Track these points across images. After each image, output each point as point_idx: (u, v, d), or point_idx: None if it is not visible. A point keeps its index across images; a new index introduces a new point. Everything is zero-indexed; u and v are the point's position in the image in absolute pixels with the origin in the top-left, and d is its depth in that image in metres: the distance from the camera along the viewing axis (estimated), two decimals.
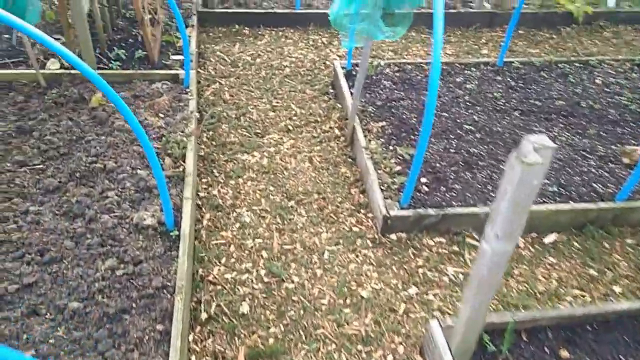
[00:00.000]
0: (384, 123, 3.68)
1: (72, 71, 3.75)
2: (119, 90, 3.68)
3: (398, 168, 3.27)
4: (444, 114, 3.85)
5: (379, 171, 3.21)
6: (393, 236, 2.97)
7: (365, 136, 3.51)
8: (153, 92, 3.68)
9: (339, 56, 4.94)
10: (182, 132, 3.30)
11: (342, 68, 4.29)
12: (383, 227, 2.93)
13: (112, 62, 3.96)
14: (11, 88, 3.59)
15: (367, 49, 3.20)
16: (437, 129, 3.67)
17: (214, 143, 3.66)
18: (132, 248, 2.51)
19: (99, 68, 3.86)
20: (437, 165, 3.32)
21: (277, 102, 4.19)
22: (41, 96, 3.54)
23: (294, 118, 4.02)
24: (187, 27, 4.73)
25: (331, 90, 4.37)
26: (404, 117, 3.77)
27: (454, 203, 3.02)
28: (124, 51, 4.11)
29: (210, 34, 5.16)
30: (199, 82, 4.31)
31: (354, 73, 4.25)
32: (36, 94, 3.56)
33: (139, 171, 2.96)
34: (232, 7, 5.33)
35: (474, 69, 4.45)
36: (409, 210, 2.92)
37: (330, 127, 3.92)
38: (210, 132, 3.76)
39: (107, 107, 3.46)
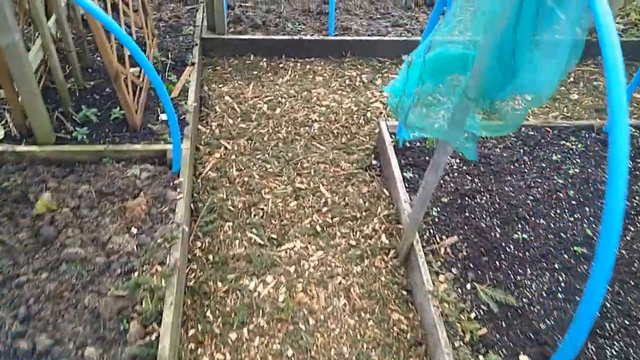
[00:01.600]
0: (455, 238, 2.55)
1: (21, 147, 2.70)
2: (79, 179, 2.62)
3: (483, 331, 2.15)
4: (541, 220, 2.68)
5: (456, 342, 2.10)
6: None
7: (428, 264, 2.38)
8: (127, 184, 2.60)
9: (382, 103, 3.78)
10: (162, 264, 2.24)
11: (392, 135, 3.14)
12: None
13: (78, 128, 2.89)
14: None
15: (441, 157, 2.05)
16: (532, 249, 2.52)
17: (210, 259, 2.59)
18: None
19: (57, 140, 2.80)
20: (541, 326, 2.19)
21: (302, 183, 3.07)
22: None
23: (324, 210, 2.91)
24: (186, 65, 3.62)
25: (374, 162, 3.23)
26: (483, 225, 2.63)
27: None
28: (95, 110, 3.03)
29: (218, 67, 4.03)
30: (197, 149, 3.22)
31: (408, 145, 3.09)
32: None
33: (87, 350, 1.91)
34: (246, 31, 4.18)
35: (573, 138, 3.25)
36: None
37: (374, 230, 2.80)
38: (207, 239, 2.69)
39: (58, 215, 2.41)
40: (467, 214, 2.69)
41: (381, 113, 3.69)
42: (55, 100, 3.04)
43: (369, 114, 3.65)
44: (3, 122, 2.89)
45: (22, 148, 2.69)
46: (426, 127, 2.00)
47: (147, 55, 3.41)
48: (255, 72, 4.01)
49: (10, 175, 2.60)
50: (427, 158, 3.02)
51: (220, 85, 3.84)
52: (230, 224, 2.79)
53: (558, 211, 2.74)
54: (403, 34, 4.31)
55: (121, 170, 2.70)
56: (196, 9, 4.34)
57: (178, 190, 2.59)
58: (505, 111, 1.81)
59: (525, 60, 1.69)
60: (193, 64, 3.60)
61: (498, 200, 2.77)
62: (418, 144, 3.12)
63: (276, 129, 3.47)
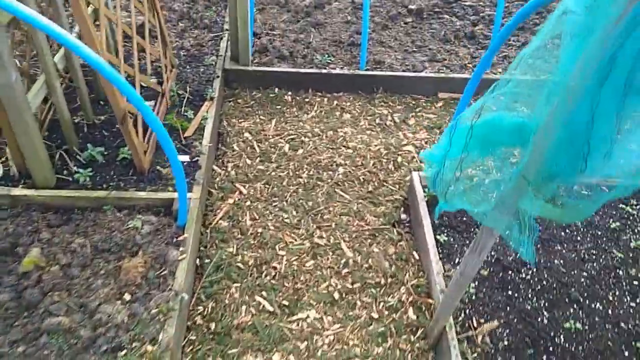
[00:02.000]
0: (495, 323, 2.18)
1: (16, 191, 2.49)
2: (75, 229, 2.38)
3: None
4: (597, 305, 2.28)
5: None
6: None
7: (462, 355, 2.02)
8: (127, 238, 2.34)
9: (415, 146, 3.44)
10: (154, 341, 1.96)
11: (424, 189, 2.80)
12: None
13: (82, 169, 2.66)
14: None
15: (486, 239, 1.71)
16: (587, 342, 2.13)
17: (211, 329, 2.29)
18: None
19: (58, 182, 2.58)
20: None
21: (321, 238, 2.76)
22: None
23: (344, 272, 2.59)
24: (204, 99, 3.39)
25: (403, 216, 2.90)
26: (528, 308, 2.25)
27: None
28: (102, 149, 2.81)
29: (239, 100, 3.78)
30: (209, 194, 2.96)
31: None
32: None
33: None
34: (272, 62, 3.93)
35: (634, 201, 2.83)
36: None
37: (400, 302, 2.45)
38: (211, 303, 2.39)
39: (46, 274, 2.16)
40: (509, 292, 2.31)
41: (413, 157, 3.35)
42: (60, 136, 2.83)
43: (399, 159, 3.32)
44: (3, 159, 2.70)
45: (17, 192, 2.48)
46: (469, 208, 1.66)
47: (163, 88, 3.18)
48: (278, 107, 3.74)
49: (2, 223, 2.38)
50: (464, 218, 2.67)
51: (241, 121, 3.58)
52: (238, 285, 2.49)
53: (617, 293, 2.34)
54: (441, 70, 3.98)
55: (122, 220, 2.44)
56: (220, 37, 4.13)
57: (181, 249, 2.31)
58: (574, 199, 1.45)
59: (600, 141, 1.34)
60: (212, 99, 3.36)
61: (546, 276, 2.39)
62: None
63: (297, 172, 3.18)
